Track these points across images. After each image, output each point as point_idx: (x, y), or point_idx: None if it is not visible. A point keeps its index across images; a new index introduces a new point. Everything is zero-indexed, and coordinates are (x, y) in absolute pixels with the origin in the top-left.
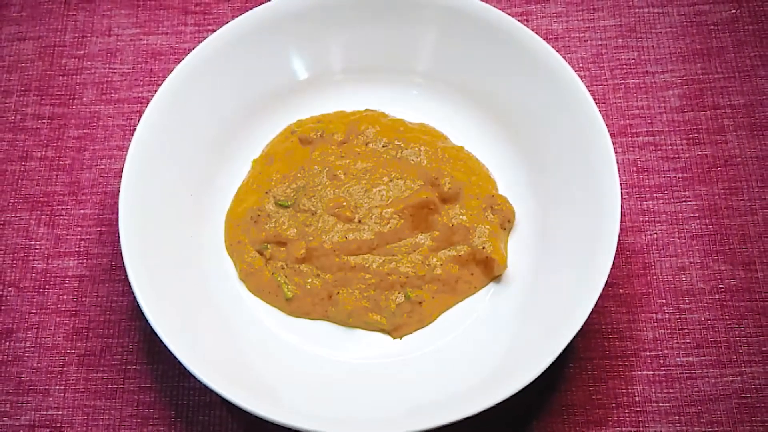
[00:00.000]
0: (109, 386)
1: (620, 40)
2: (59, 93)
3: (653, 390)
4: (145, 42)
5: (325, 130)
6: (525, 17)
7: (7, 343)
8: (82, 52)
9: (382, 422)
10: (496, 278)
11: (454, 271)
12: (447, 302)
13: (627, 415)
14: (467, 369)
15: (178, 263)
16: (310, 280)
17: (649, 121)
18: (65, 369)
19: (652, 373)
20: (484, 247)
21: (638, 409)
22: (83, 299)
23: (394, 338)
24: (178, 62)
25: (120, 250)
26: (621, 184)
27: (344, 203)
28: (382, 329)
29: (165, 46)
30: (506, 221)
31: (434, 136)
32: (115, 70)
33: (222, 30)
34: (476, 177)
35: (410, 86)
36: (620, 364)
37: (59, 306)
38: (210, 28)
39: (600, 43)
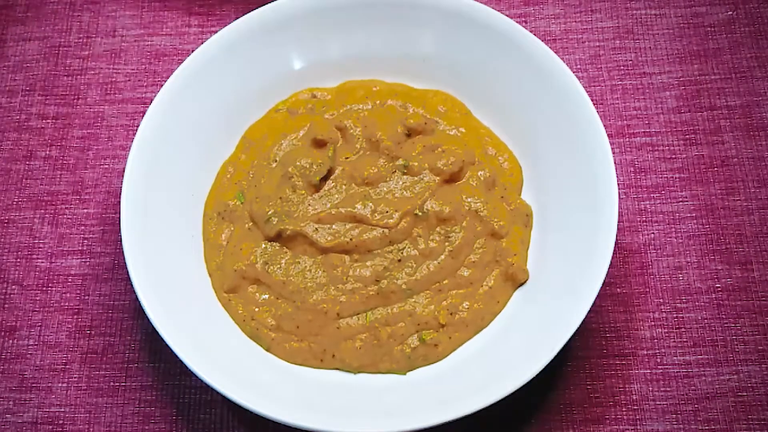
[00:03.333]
0: (111, 384)
1: (618, 42)
2: (64, 93)
3: (650, 388)
4: (149, 43)
5: (316, 105)
6: (523, 19)
7: (11, 341)
8: (86, 52)
9: (381, 420)
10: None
11: (480, 309)
12: (466, 338)
13: (624, 413)
14: (465, 367)
15: (179, 262)
16: (288, 344)
17: (647, 122)
18: (68, 367)
19: (649, 371)
20: (516, 254)
21: (635, 407)
22: (86, 298)
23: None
24: (182, 63)
25: (122, 249)
26: (618, 184)
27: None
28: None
29: (169, 47)
30: (525, 216)
31: (454, 104)
32: (120, 71)
33: (224, 31)
34: (506, 161)
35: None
36: (618, 362)
37: (62, 304)
38: (213, 29)
39: (598, 44)
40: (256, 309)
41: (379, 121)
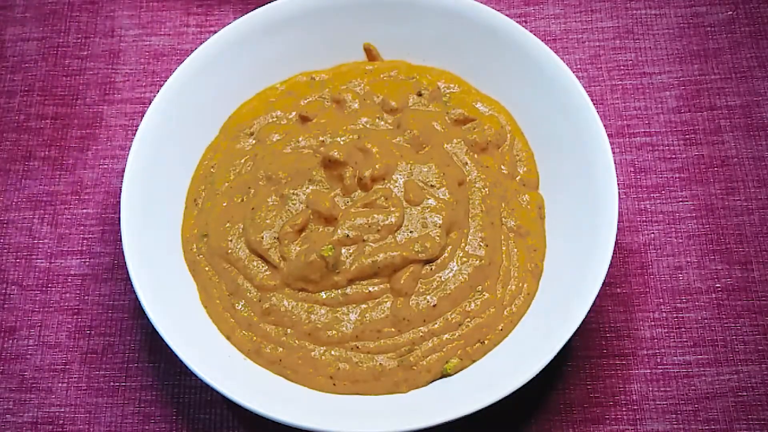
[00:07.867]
0: (111, 384)
1: (618, 42)
2: (62, 93)
3: (650, 388)
4: (147, 43)
5: (314, 85)
6: (523, 18)
7: (11, 341)
8: (85, 52)
9: (381, 419)
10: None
11: (511, 325)
12: (484, 354)
13: (624, 413)
14: (465, 367)
15: (179, 262)
16: (275, 367)
17: (647, 122)
18: (68, 367)
19: (649, 371)
20: (536, 250)
21: (635, 407)
22: (85, 298)
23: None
24: (180, 63)
25: (122, 249)
26: (618, 184)
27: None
28: None
29: (167, 47)
30: (537, 208)
31: (461, 83)
32: (118, 71)
33: (223, 31)
34: (525, 156)
35: None
36: (618, 362)
37: (62, 304)
38: (212, 29)
39: (598, 44)
40: (231, 328)
41: (379, 90)
